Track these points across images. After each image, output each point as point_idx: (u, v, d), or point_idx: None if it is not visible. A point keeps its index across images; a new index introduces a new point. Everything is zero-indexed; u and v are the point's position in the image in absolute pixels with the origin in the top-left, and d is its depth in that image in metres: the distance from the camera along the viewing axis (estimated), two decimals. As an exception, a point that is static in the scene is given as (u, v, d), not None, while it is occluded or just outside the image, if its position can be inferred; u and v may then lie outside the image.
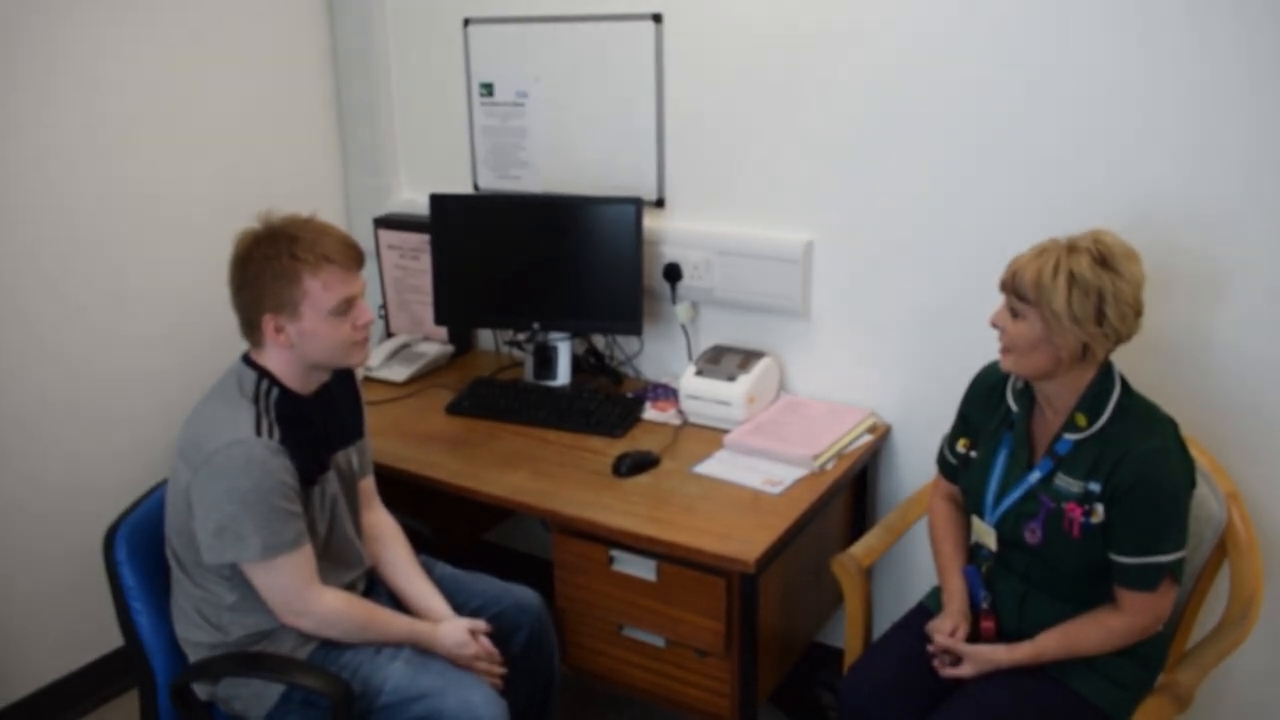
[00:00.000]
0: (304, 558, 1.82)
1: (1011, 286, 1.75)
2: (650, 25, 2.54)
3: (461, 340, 3.03)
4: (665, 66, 2.56)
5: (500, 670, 1.97)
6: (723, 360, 2.51)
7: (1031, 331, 1.73)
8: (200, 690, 1.89)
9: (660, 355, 2.77)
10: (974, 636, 1.88)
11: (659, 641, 2.13)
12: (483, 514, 2.57)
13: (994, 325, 1.81)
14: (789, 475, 2.21)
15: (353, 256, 1.85)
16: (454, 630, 1.94)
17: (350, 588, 1.97)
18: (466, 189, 2.98)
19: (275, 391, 1.84)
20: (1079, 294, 1.68)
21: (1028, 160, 2.16)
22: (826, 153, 2.39)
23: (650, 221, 2.60)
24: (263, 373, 1.85)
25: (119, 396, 2.62)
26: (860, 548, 2.16)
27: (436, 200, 2.70)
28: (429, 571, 2.09)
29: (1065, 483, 1.79)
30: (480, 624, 1.98)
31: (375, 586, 2.08)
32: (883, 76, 2.28)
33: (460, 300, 2.75)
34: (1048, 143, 2.13)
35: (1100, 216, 1.86)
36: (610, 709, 2.63)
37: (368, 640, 1.89)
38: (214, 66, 2.73)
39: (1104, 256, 1.69)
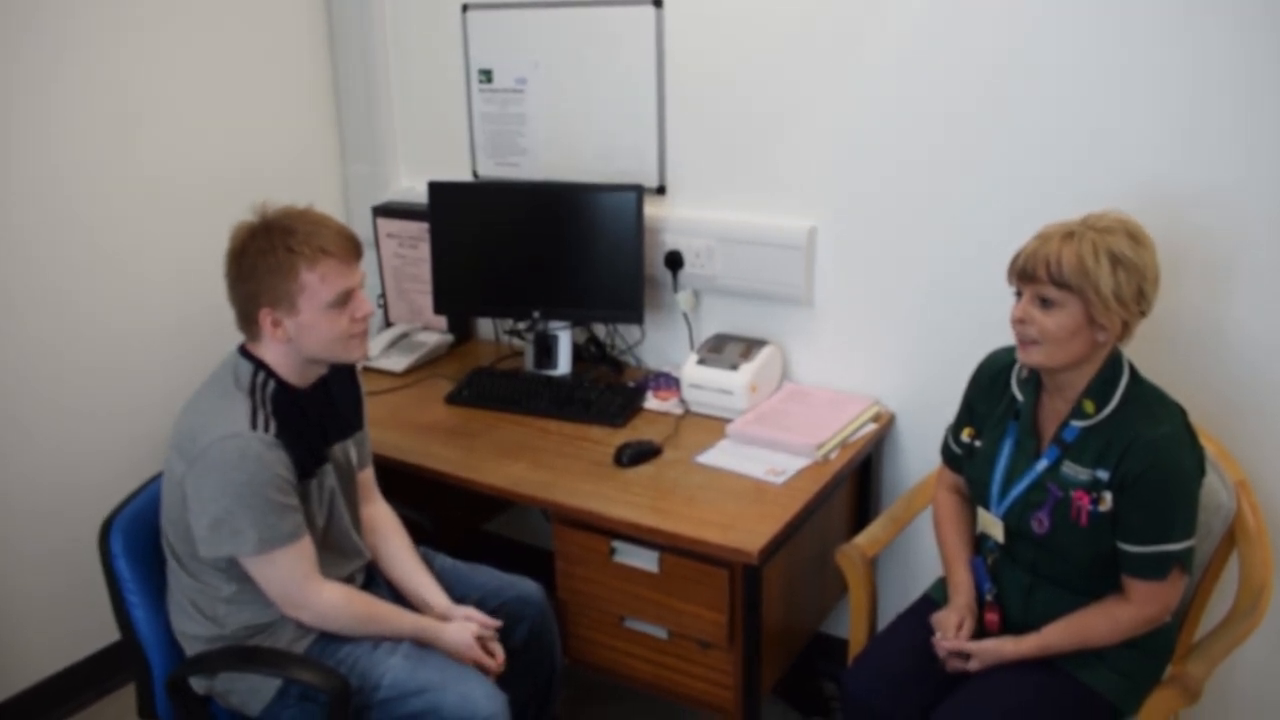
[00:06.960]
0: (302, 551, 1.80)
1: (1048, 276, 1.68)
2: (651, 10, 2.51)
3: (461, 329, 3.00)
4: (666, 52, 2.53)
5: (497, 669, 1.94)
6: (725, 349, 2.49)
7: (1072, 320, 1.68)
8: (197, 684, 1.88)
9: (662, 344, 2.75)
10: (979, 629, 1.86)
11: (661, 633, 2.12)
12: (483, 505, 2.55)
13: (1019, 321, 1.73)
14: (792, 465, 2.19)
15: (350, 248, 1.83)
16: (460, 632, 1.92)
17: (349, 580, 1.96)
18: (466, 176, 2.95)
19: (271, 384, 1.82)
20: (1124, 273, 1.66)
21: (1031, 145, 2.13)
22: (829, 139, 2.37)
23: (651, 209, 2.58)
24: (259, 365, 1.83)
25: (114, 388, 2.60)
26: (864, 538, 2.14)
27: (435, 188, 2.68)
28: (429, 564, 2.08)
29: (1073, 470, 1.76)
30: (491, 626, 1.96)
31: (374, 578, 2.06)
32: (887, 61, 2.25)
33: (460, 289, 2.73)
34: (1052, 128, 2.10)
35: (1109, 200, 1.83)
36: (612, 701, 2.61)
37: (369, 634, 1.87)
38: (210, 54, 2.70)
39: (1133, 234, 1.69)
